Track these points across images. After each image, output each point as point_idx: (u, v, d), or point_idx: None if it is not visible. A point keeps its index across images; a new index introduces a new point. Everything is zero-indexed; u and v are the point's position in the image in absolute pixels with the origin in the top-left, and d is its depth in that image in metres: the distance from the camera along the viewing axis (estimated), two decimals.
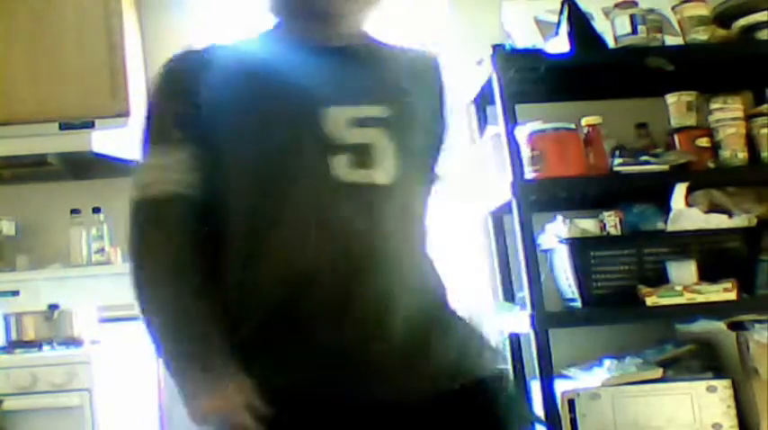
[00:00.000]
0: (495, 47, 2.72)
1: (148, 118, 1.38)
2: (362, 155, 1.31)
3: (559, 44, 2.74)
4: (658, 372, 2.69)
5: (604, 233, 2.76)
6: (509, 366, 3.01)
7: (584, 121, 2.74)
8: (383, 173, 1.31)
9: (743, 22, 2.83)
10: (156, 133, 1.36)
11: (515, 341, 3.02)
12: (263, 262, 1.28)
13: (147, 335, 1.29)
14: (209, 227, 1.33)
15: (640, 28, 2.74)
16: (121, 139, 2.85)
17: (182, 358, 1.28)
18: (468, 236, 3.23)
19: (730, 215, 2.76)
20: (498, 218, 3.07)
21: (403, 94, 1.40)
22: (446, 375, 1.31)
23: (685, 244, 2.70)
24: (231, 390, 1.23)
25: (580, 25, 2.74)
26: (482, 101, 3.07)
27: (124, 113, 2.92)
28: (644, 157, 2.74)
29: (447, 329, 1.35)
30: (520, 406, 1.44)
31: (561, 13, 2.78)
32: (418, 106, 1.41)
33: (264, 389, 1.25)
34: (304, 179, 1.29)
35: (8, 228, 3.16)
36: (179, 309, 1.29)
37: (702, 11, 2.84)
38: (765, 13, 2.79)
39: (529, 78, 2.83)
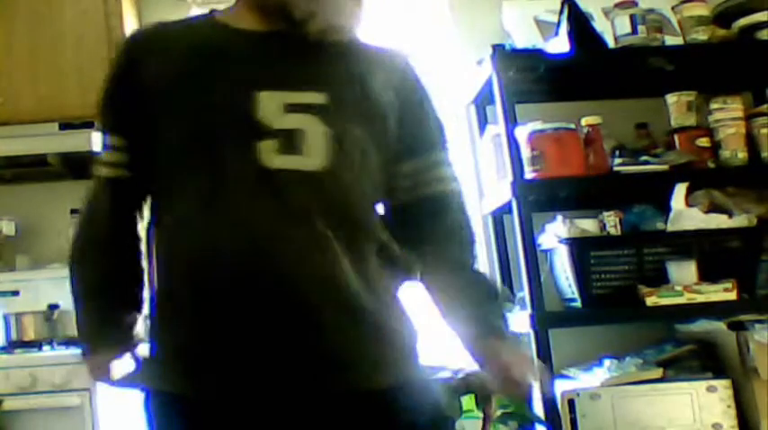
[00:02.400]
0: (495, 47, 2.72)
1: (101, 93, 1.45)
2: (292, 140, 1.27)
3: (559, 44, 2.74)
4: (658, 372, 2.69)
5: (604, 233, 2.76)
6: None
7: (584, 121, 2.74)
8: (313, 159, 1.28)
9: (743, 22, 2.83)
10: (100, 117, 1.45)
11: None
12: (184, 245, 1.28)
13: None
14: (143, 207, 1.39)
15: (640, 28, 2.74)
16: None
17: (80, 326, 1.42)
18: None
19: (730, 215, 2.76)
20: (498, 218, 3.07)
21: (350, 84, 1.35)
22: (351, 375, 1.27)
23: (685, 244, 2.70)
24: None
25: (580, 25, 2.74)
26: (482, 101, 3.07)
27: None
28: (644, 157, 2.74)
29: (366, 328, 1.29)
30: (438, 415, 1.37)
31: (561, 13, 2.78)
32: (369, 98, 1.36)
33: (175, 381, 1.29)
34: (228, 163, 1.27)
35: (8, 228, 3.16)
36: (85, 285, 1.41)
37: (702, 11, 2.83)
38: (765, 13, 2.79)
39: (529, 78, 2.83)
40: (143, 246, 1.39)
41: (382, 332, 1.31)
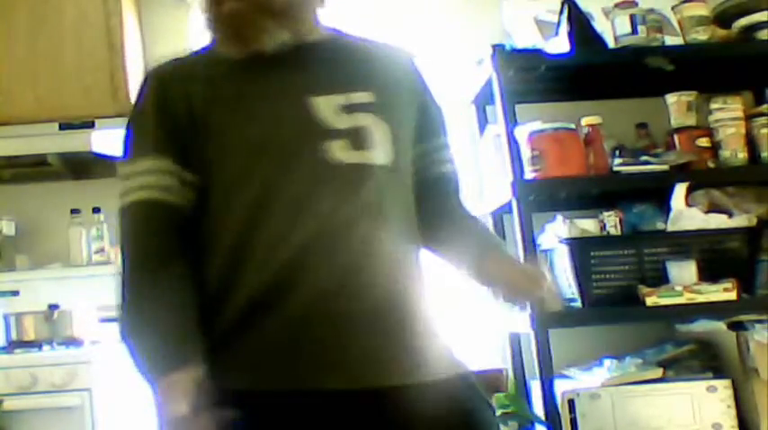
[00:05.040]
0: (495, 47, 2.72)
1: (132, 125, 1.41)
2: (358, 137, 1.34)
3: (559, 44, 2.74)
4: (658, 372, 2.69)
5: (604, 233, 2.76)
6: (509, 366, 3.01)
7: (584, 121, 2.74)
8: (381, 153, 1.35)
9: (743, 22, 2.83)
10: (139, 140, 1.38)
11: (515, 341, 3.02)
12: (264, 248, 1.29)
13: (121, 338, 1.33)
14: (196, 227, 1.34)
15: (640, 28, 2.75)
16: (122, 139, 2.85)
17: (148, 361, 1.30)
18: None
19: (730, 215, 2.76)
20: (498, 218, 3.07)
21: (384, 81, 1.43)
22: (418, 369, 1.32)
23: (685, 244, 2.69)
24: (182, 383, 1.23)
25: (580, 25, 2.74)
26: (482, 101, 3.07)
27: (124, 113, 2.90)
28: (644, 157, 2.74)
29: (420, 322, 1.35)
30: (483, 409, 1.42)
31: (561, 13, 2.78)
32: (399, 93, 1.44)
33: (246, 376, 1.28)
34: (303, 166, 1.31)
35: (8, 228, 3.16)
36: (151, 315, 1.30)
37: (702, 11, 2.83)
38: (765, 13, 2.79)
39: (529, 78, 2.83)
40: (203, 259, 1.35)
41: (435, 326, 1.39)
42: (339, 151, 1.32)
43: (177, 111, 1.35)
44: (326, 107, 1.34)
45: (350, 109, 1.35)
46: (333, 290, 1.28)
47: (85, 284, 3.06)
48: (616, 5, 2.79)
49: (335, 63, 1.41)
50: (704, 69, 2.87)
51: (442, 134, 1.54)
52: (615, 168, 2.72)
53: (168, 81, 1.40)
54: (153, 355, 1.29)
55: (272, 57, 1.37)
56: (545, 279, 1.38)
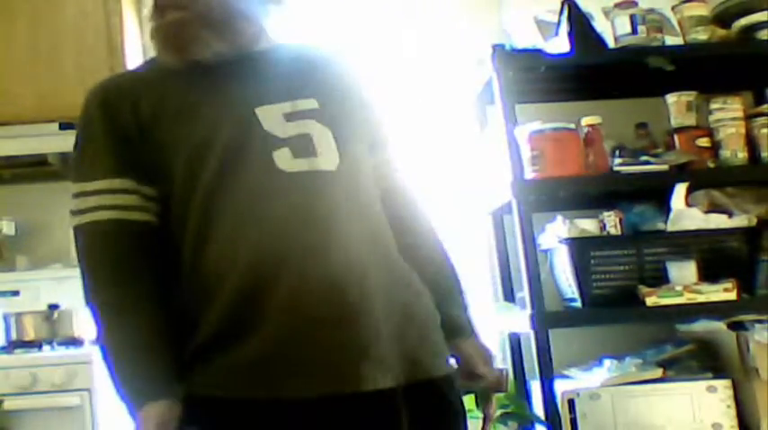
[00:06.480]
0: (495, 47, 2.72)
1: (80, 146, 1.41)
2: (303, 145, 1.34)
3: (559, 44, 2.74)
4: (658, 372, 2.69)
5: (604, 233, 2.76)
6: (508, 366, 3.01)
7: (584, 121, 2.74)
8: (326, 159, 1.34)
9: (743, 22, 2.83)
10: (92, 159, 1.38)
11: (515, 341, 3.02)
12: (219, 261, 1.29)
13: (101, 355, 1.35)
14: (157, 243, 1.35)
15: (640, 28, 2.75)
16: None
17: (122, 382, 1.32)
18: (469, 236, 3.23)
19: (730, 215, 2.76)
20: (498, 218, 3.08)
21: (330, 87, 1.44)
22: (403, 367, 1.31)
23: (685, 244, 2.70)
24: (157, 416, 1.26)
25: (580, 25, 2.74)
26: (482, 101, 3.07)
27: None
28: (644, 157, 2.74)
29: (408, 319, 1.35)
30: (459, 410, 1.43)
31: (561, 13, 2.78)
32: (347, 98, 1.45)
33: (226, 385, 1.28)
34: (251, 176, 1.31)
35: (8, 228, 3.16)
36: (122, 338, 1.34)
37: (702, 11, 2.83)
38: (765, 13, 2.79)
39: (529, 78, 2.83)
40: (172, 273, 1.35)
41: (425, 322, 1.39)
42: (285, 160, 1.31)
43: (126, 126, 1.35)
44: (271, 116, 1.35)
45: (294, 116, 1.36)
46: (294, 302, 1.26)
47: None
48: (616, 5, 2.79)
49: (281, 72, 1.43)
50: (704, 69, 2.87)
51: (387, 147, 1.53)
52: (615, 168, 2.72)
53: (114, 97, 1.39)
54: (131, 384, 1.31)
55: (218, 67, 1.38)
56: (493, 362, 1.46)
